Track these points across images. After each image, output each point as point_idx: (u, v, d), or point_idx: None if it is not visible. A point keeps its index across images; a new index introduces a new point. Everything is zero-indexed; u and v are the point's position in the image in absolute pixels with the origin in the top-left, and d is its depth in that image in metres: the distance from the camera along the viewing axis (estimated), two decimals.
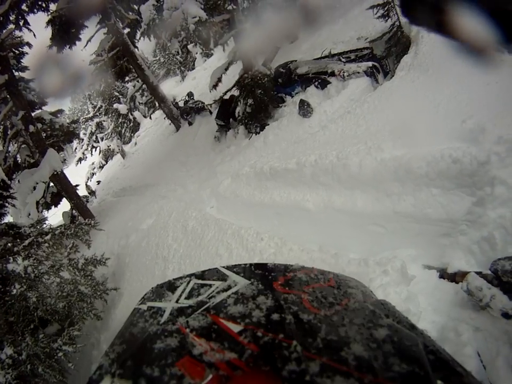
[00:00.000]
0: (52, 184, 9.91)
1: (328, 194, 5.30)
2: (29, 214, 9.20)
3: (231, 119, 10.35)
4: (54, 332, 6.01)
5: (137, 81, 16.07)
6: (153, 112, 19.00)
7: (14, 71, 9.08)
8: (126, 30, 12.29)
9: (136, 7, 12.11)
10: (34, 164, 9.54)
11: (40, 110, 10.72)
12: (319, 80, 8.28)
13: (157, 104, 15.23)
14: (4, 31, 8.62)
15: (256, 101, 8.94)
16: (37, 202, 9.41)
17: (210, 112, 12.55)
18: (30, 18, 9.14)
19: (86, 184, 15.58)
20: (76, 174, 17.79)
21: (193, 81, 20.86)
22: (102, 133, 21.19)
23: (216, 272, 1.28)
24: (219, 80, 9.47)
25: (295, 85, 8.95)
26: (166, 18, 8.61)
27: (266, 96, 8.94)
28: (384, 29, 7.87)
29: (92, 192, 14.87)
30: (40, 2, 9.48)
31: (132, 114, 20.89)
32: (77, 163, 21.16)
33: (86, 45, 11.68)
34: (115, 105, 20.51)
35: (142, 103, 21.40)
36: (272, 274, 1.25)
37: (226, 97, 10.14)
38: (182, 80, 25.12)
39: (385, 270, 3.69)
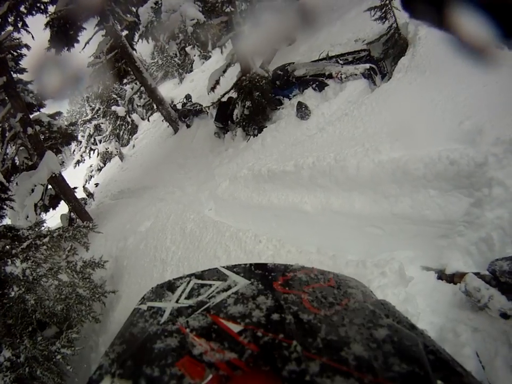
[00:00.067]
0: (50, 186, 9.90)
1: (326, 196, 5.30)
2: (27, 217, 9.16)
3: (229, 122, 10.35)
4: (52, 334, 6.00)
5: (135, 84, 16.10)
6: (151, 114, 19.00)
7: (12, 73, 9.05)
8: (124, 32, 12.29)
9: (134, 9, 12.11)
10: (32, 166, 9.51)
11: (38, 112, 10.69)
12: (317, 82, 8.29)
13: (155, 107, 15.25)
14: (3, 32, 8.63)
15: (254, 103, 8.95)
16: (35, 205, 9.38)
17: (208, 114, 12.55)
18: (29, 20, 9.18)
19: (83, 187, 15.55)
20: (74, 176, 17.75)
21: (191, 83, 20.91)
22: (100, 135, 21.12)
23: (216, 272, 1.28)
24: (217, 82, 9.48)
25: (293, 87, 8.97)
26: (164, 20, 8.61)
27: (264, 98, 8.95)
28: (382, 31, 7.91)
29: (90, 195, 14.86)
30: (38, 4, 9.49)
31: (130, 117, 20.87)
32: (75, 165, 21.14)
33: (84, 47, 11.68)
34: (113, 108, 20.47)
35: (140, 105, 21.40)
36: (272, 274, 1.25)
37: (224, 99, 10.15)
38: (180, 83, 25.18)
39: (383, 272, 3.69)
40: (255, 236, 5.32)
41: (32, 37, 9.11)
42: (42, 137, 10.14)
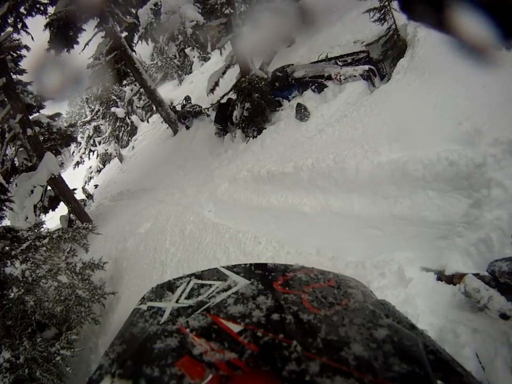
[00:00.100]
0: (49, 187, 9.89)
1: (325, 198, 5.31)
2: (27, 218, 9.15)
3: (228, 123, 10.36)
4: (52, 336, 5.99)
5: (135, 85, 16.08)
6: (151, 116, 18.98)
7: (11, 74, 9.06)
8: (124, 34, 12.31)
9: (134, 11, 12.15)
10: (31, 167, 9.51)
11: (37, 114, 10.71)
12: (316, 84, 8.32)
13: (154, 108, 15.23)
14: (2, 33, 8.63)
15: (253, 104, 8.96)
16: (35, 206, 9.38)
17: (208, 116, 12.56)
18: (28, 21, 9.19)
19: (83, 188, 15.53)
20: (74, 177, 17.71)
21: (191, 85, 20.94)
22: (99, 136, 21.11)
23: (216, 272, 1.28)
24: (216, 84, 9.51)
25: (292, 89, 8.99)
26: (164, 22, 8.63)
27: (264, 100, 8.97)
28: (381, 32, 7.93)
29: (90, 196, 14.84)
30: (38, 5, 9.52)
31: (129, 118, 20.87)
32: (75, 167, 21.11)
33: (83, 48, 11.71)
34: (113, 109, 20.46)
35: (139, 106, 21.38)
36: (272, 274, 1.25)
37: (224, 101, 10.16)
38: (179, 84, 25.21)
39: (383, 273, 3.69)
40: (254, 238, 5.32)
41: (32, 38, 9.11)
42: (42, 138, 10.15)
